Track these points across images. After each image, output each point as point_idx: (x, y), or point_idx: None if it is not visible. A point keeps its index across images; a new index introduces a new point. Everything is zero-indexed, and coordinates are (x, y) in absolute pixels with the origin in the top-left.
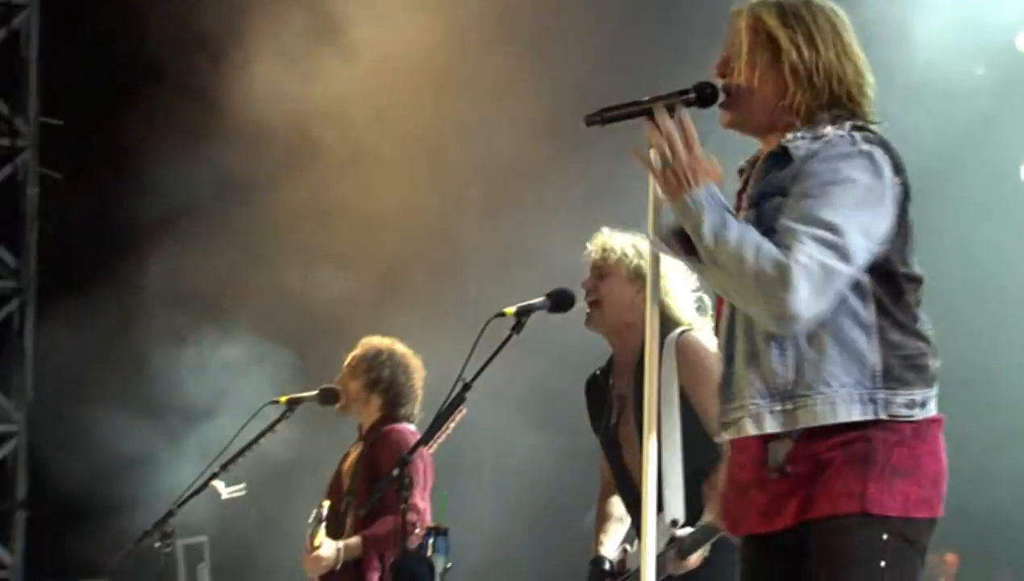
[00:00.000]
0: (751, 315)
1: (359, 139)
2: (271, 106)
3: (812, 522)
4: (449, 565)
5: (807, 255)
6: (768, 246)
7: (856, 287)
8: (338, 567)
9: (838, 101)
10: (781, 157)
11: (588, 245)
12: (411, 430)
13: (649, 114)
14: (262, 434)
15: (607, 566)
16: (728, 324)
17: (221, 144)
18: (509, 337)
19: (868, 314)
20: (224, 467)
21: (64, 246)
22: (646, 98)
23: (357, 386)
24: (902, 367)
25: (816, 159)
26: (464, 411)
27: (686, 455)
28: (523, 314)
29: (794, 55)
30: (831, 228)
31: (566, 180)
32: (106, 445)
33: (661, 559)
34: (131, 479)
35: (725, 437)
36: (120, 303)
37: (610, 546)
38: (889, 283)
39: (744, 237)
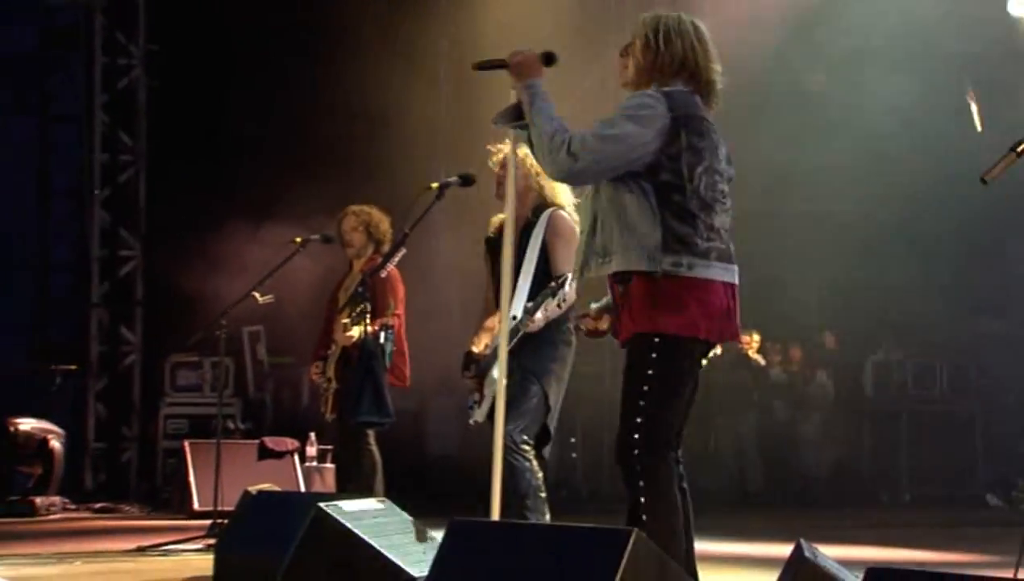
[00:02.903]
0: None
1: None
2: None
3: None
4: (393, 348)
5: (582, 133)
6: (560, 122)
7: (639, 185)
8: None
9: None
10: None
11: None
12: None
13: (506, 67)
14: (283, 263)
15: (472, 355)
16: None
17: None
18: (433, 203)
19: (652, 203)
20: (260, 283)
21: (166, 133)
22: (503, 58)
23: (362, 240)
24: (672, 240)
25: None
26: (404, 250)
27: (535, 282)
28: (443, 187)
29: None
30: (607, 124)
31: None
32: (200, 265)
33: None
34: (214, 288)
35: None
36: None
37: (478, 345)
38: (662, 185)
39: (547, 111)
